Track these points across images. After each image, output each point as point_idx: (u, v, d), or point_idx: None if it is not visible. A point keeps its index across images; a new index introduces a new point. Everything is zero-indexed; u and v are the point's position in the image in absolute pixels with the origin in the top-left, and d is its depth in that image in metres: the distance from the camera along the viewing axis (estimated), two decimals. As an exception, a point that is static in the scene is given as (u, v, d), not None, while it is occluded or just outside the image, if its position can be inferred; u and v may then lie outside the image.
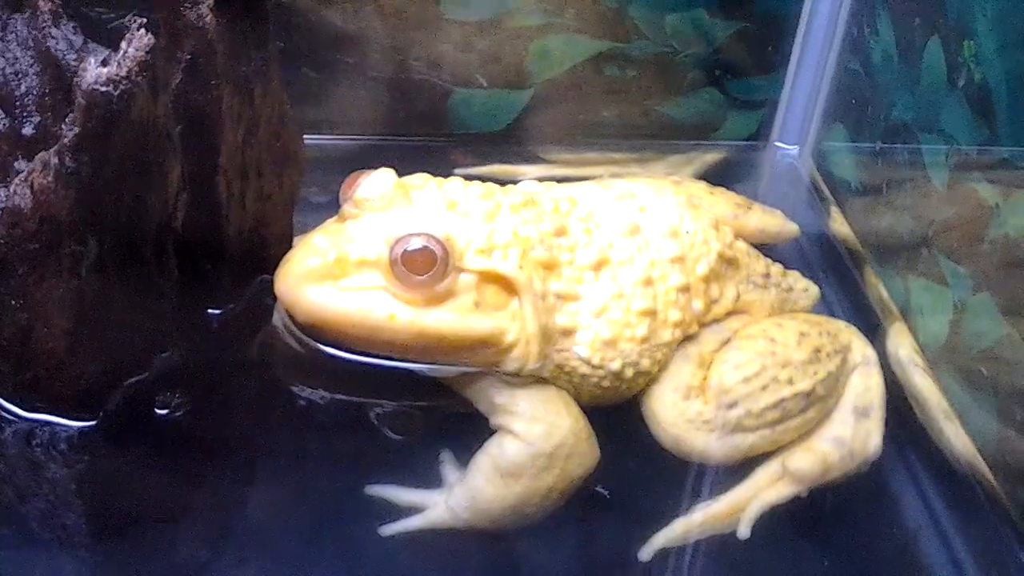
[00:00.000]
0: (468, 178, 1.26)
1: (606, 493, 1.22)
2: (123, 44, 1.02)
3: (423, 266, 1.14)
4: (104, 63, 1.02)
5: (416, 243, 1.14)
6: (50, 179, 1.05)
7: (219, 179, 1.19)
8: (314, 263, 1.16)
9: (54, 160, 1.04)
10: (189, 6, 1.11)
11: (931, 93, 1.42)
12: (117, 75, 1.01)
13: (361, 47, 1.68)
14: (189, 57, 1.11)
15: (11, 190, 1.07)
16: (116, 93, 1.01)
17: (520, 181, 1.32)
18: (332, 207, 1.29)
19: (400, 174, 1.22)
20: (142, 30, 1.03)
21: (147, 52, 1.03)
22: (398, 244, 1.14)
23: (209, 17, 1.11)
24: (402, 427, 1.27)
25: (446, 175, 1.25)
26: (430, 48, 1.69)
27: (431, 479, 1.21)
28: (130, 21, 1.03)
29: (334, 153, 1.62)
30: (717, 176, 1.62)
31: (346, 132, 1.73)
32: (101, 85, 1.01)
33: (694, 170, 1.75)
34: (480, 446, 1.20)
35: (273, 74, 1.21)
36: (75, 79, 1.06)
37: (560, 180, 1.35)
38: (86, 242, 1.09)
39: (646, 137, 1.81)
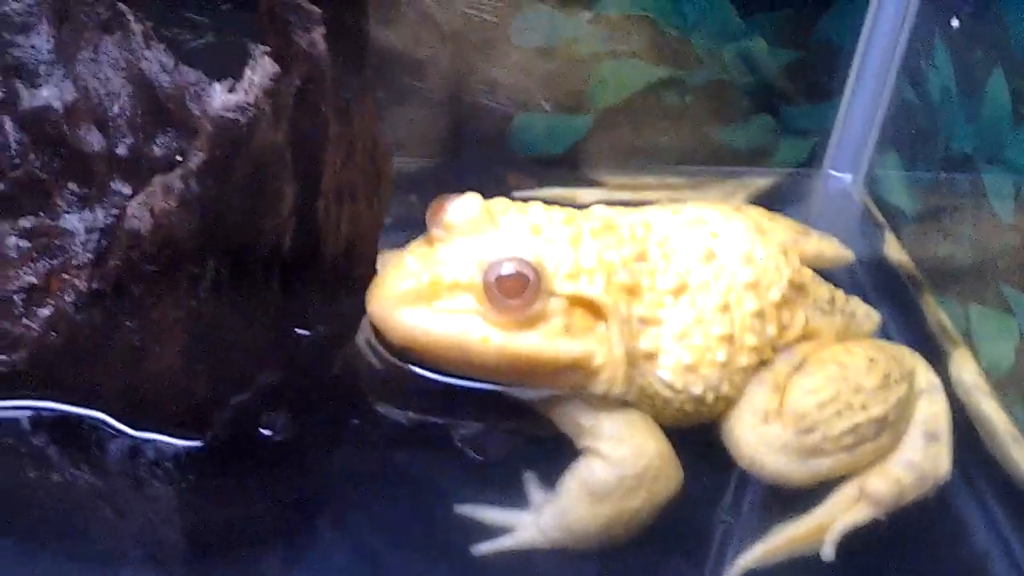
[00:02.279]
0: (526, 200, 1.28)
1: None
2: (248, 71, 1.04)
3: (516, 290, 1.16)
4: (230, 90, 1.04)
5: (509, 268, 1.16)
6: (172, 203, 1.07)
7: (320, 203, 1.21)
8: (408, 286, 1.19)
9: (178, 184, 1.06)
10: (301, 33, 1.12)
11: (994, 124, 1.44)
12: (244, 102, 1.03)
13: (424, 70, 1.70)
14: (299, 83, 1.13)
15: (129, 213, 1.09)
16: (243, 120, 1.04)
17: (578, 205, 1.34)
18: (397, 228, 1.33)
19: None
20: (266, 58, 1.05)
21: (272, 79, 1.05)
22: (491, 268, 1.17)
23: (322, 44, 1.12)
24: (486, 448, 1.29)
25: (506, 197, 1.28)
26: (492, 72, 1.71)
27: (517, 500, 1.23)
28: (253, 48, 1.05)
29: (400, 175, 1.64)
30: (770, 202, 1.64)
31: (408, 154, 1.75)
32: (228, 112, 1.03)
33: (747, 195, 1.78)
34: (562, 468, 1.22)
35: (369, 98, 1.24)
36: (199, 105, 1.09)
37: (616, 204, 1.36)
38: (205, 264, 1.11)
39: (701, 163, 1.83)
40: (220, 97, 1.03)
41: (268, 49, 1.05)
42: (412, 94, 1.72)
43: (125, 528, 1.18)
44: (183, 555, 1.17)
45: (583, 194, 1.73)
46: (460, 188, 1.26)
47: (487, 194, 1.26)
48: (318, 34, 1.13)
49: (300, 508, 1.23)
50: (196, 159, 1.05)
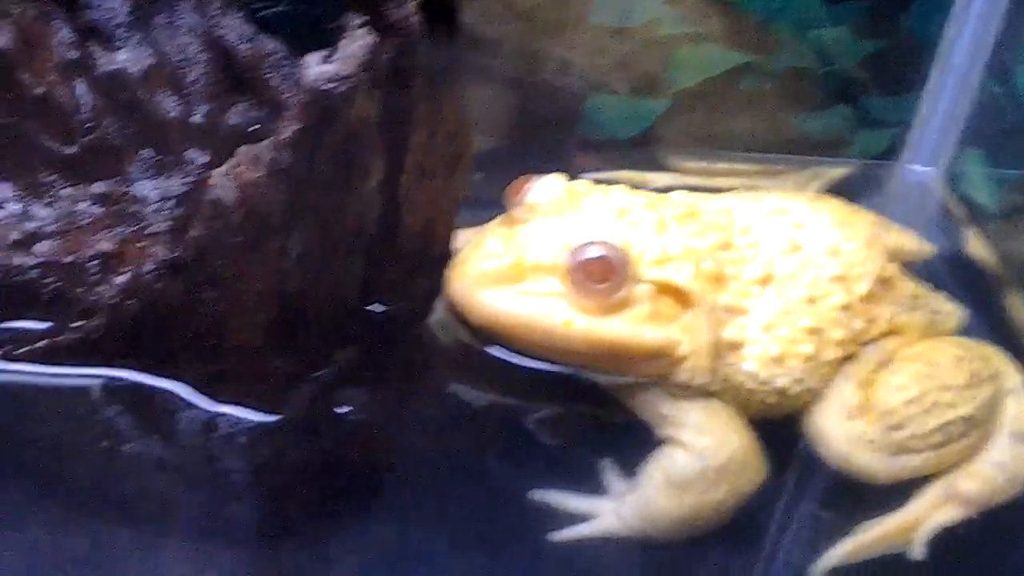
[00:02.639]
0: (596, 182, 1.26)
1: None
2: (344, 42, 1.02)
3: (602, 275, 1.14)
4: (326, 60, 1.01)
5: (595, 251, 1.14)
6: (260, 174, 1.04)
7: (403, 178, 1.18)
8: (490, 266, 1.16)
9: (268, 155, 1.04)
10: (394, 6, 1.09)
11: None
12: (340, 73, 1.01)
13: (495, 48, 1.68)
14: (390, 57, 1.10)
15: (213, 182, 1.06)
16: (338, 91, 1.01)
17: (648, 189, 1.30)
18: (467, 206, 1.30)
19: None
20: (364, 28, 1.02)
21: (369, 51, 1.02)
22: (577, 251, 1.14)
23: (415, 16, 1.10)
24: (563, 433, 1.27)
25: (575, 178, 1.25)
26: (565, 52, 1.68)
27: (592, 486, 1.21)
28: (349, 19, 1.03)
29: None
30: (844, 193, 1.59)
31: (478, 132, 1.70)
32: (324, 83, 1.01)
33: (820, 185, 1.74)
34: (640, 455, 1.20)
35: (456, 75, 1.21)
36: (278, 74, 1.07)
37: (689, 190, 1.33)
38: (291, 238, 1.09)
39: (776, 151, 1.80)
40: (315, 67, 1.01)
41: (365, 19, 1.03)
42: (483, 72, 1.69)
43: (197, 502, 1.17)
44: (255, 531, 1.16)
45: (655, 178, 1.70)
46: (530, 169, 1.25)
47: (559, 174, 1.24)
48: (412, 5, 1.10)
49: (375, 488, 1.22)
50: (288, 129, 1.02)
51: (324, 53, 1.02)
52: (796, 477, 1.25)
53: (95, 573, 1.12)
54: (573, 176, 1.26)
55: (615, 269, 1.14)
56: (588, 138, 1.77)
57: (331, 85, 1.01)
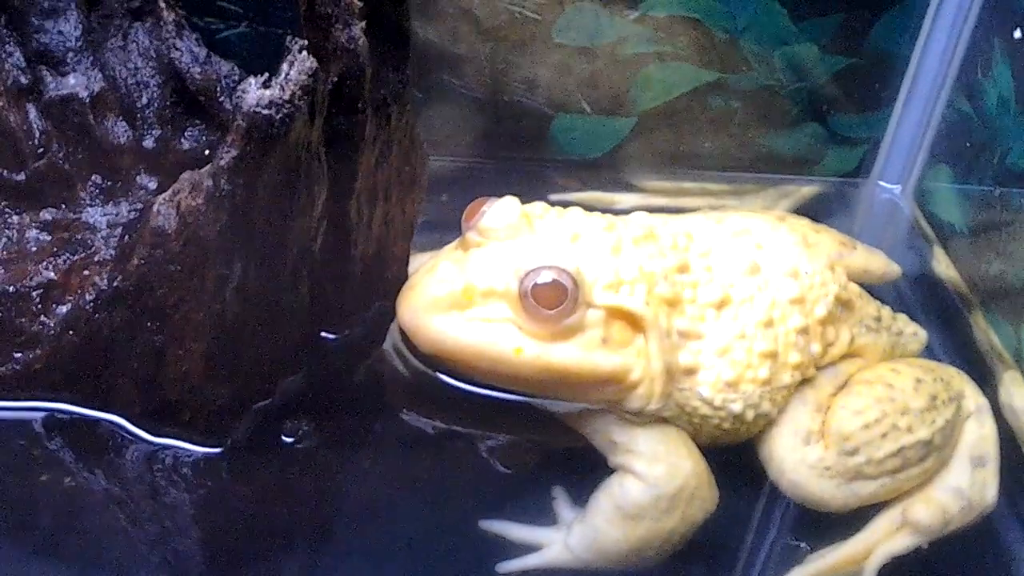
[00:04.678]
0: (564, 204, 1.25)
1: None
2: (284, 66, 1.00)
3: (553, 300, 1.12)
4: (265, 85, 1.00)
5: (547, 276, 1.13)
6: (200, 201, 1.03)
7: (352, 203, 1.18)
8: (441, 292, 1.15)
9: (207, 182, 1.03)
10: (340, 28, 1.09)
11: (1054, 140, 1.40)
12: (280, 98, 1.00)
13: (462, 67, 1.67)
14: (336, 80, 1.09)
15: (155, 210, 1.06)
16: (278, 116, 1.00)
17: (616, 210, 1.30)
18: (431, 228, 1.30)
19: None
20: (304, 52, 1.01)
21: (310, 75, 1.01)
22: (528, 277, 1.13)
23: (362, 40, 1.09)
24: (513, 460, 1.26)
25: (542, 199, 1.24)
26: (531, 71, 1.67)
27: (543, 515, 1.20)
28: (291, 43, 1.02)
29: (433, 173, 1.60)
30: (814, 212, 1.59)
31: (444, 152, 1.71)
32: (263, 108, 0.99)
33: (790, 204, 1.74)
34: (592, 483, 1.19)
35: (407, 97, 1.20)
36: (231, 98, 1.05)
37: (655, 210, 1.32)
38: (232, 265, 1.08)
39: (744, 169, 1.79)
40: (255, 92, 1.00)
41: (305, 43, 1.01)
42: (448, 91, 1.68)
43: (141, 535, 1.15)
44: (200, 564, 1.14)
45: (622, 198, 1.69)
46: (495, 189, 1.23)
47: (523, 196, 1.22)
48: (358, 29, 1.10)
49: (321, 518, 1.20)
50: (227, 156, 1.01)
51: (263, 78, 1.00)
52: (749, 505, 1.24)
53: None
54: (540, 197, 1.25)
55: (566, 294, 1.13)
56: (556, 158, 1.75)
57: (270, 111, 0.99)
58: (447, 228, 1.27)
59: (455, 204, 1.24)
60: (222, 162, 1.02)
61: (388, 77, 1.18)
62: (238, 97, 1.01)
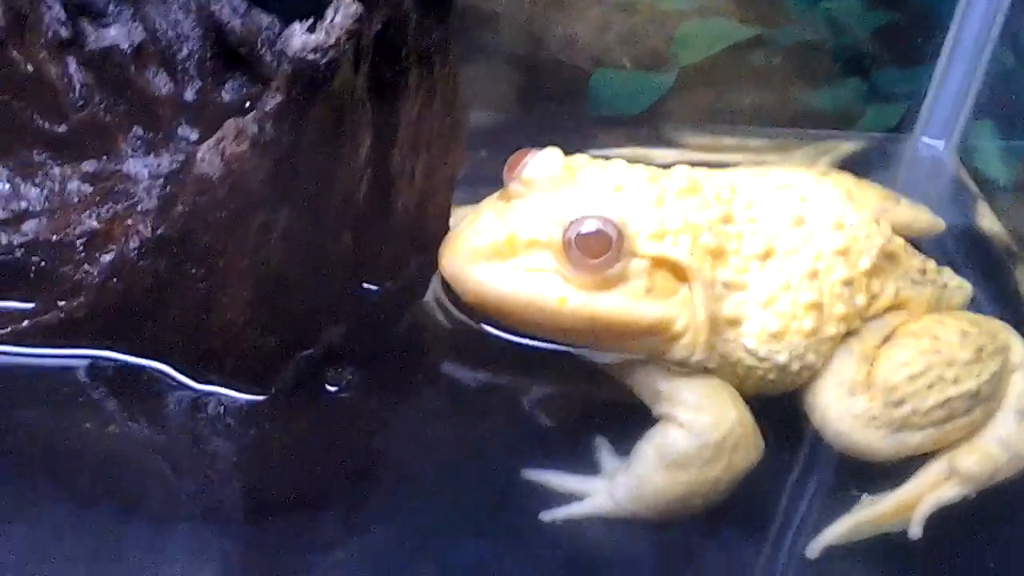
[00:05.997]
0: (604, 159, 1.24)
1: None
2: (329, 11, 1.00)
3: (597, 250, 1.12)
4: (311, 30, 0.99)
5: (591, 226, 1.12)
6: (245, 147, 1.03)
7: (395, 153, 1.17)
8: (483, 242, 1.15)
9: (252, 128, 1.03)
10: (385, -25, 1.08)
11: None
12: (325, 43, 0.99)
13: (499, 23, 1.66)
14: (380, 28, 1.09)
15: (199, 156, 1.06)
16: (323, 61, 0.99)
17: (657, 165, 1.28)
18: (471, 183, 1.30)
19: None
20: None
21: (355, 21, 1.00)
22: (572, 226, 1.12)
23: (405, -13, 1.08)
24: (557, 412, 1.27)
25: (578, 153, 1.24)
26: (570, 27, 1.67)
27: (586, 465, 1.20)
28: None
29: (472, 129, 1.61)
30: (856, 168, 1.59)
31: (480, 108, 1.70)
32: (308, 53, 0.99)
33: (832, 160, 1.73)
34: (636, 433, 1.18)
35: (451, 48, 1.20)
36: (273, 48, 1.05)
37: (696, 165, 1.31)
38: (276, 213, 1.08)
39: (785, 125, 1.79)
40: (299, 37, 0.99)
41: None
42: (487, 48, 1.68)
43: (184, 483, 1.15)
44: (242, 511, 1.15)
45: (662, 154, 1.68)
46: (535, 145, 1.23)
47: (563, 152, 1.21)
48: None
49: (363, 467, 1.20)
50: (272, 101, 1.01)
51: (308, 23, 1.00)
52: (794, 454, 1.24)
53: (86, 554, 1.11)
54: (578, 152, 1.24)
55: (610, 243, 1.12)
56: (595, 114, 1.75)
57: (315, 56, 0.99)
58: (488, 183, 1.26)
59: (495, 160, 1.24)
60: (267, 108, 1.02)
61: (431, 27, 1.17)
62: (283, 42, 1.01)
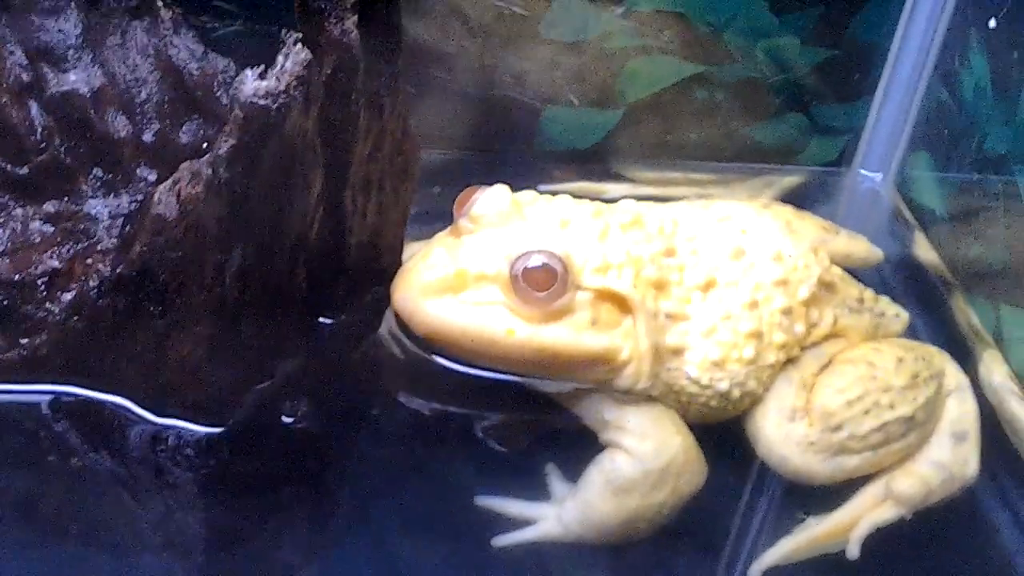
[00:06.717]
0: (553, 194, 1.27)
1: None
2: (280, 58, 1.03)
3: (543, 283, 1.15)
4: (262, 76, 1.03)
5: (537, 260, 1.15)
6: (199, 189, 1.06)
7: (347, 193, 1.21)
8: (434, 276, 1.18)
9: (206, 171, 1.06)
10: (334, 22, 1.12)
11: (1030, 125, 1.43)
12: (276, 89, 1.03)
13: (452, 63, 1.69)
14: (330, 72, 1.12)
15: (155, 198, 1.08)
16: (274, 107, 1.03)
17: (605, 199, 1.31)
18: (424, 219, 1.33)
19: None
20: (299, 45, 1.04)
21: (304, 67, 1.04)
22: (519, 261, 1.16)
23: (354, 33, 1.12)
24: (508, 439, 1.29)
25: (532, 190, 1.27)
26: (519, 66, 1.70)
27: (537, 491, 1.23)
28: (286, 36, 1.05)
29: (425, 166, 1.63)
30: (797, 200, 1.61)
31: (433, 146, 1.73)
32: (259, 98, 1.02)
33: (774, 193, 1.77)
34: (584, 460, 1.21)
35: (400, 88, 1.23)
36: (228, 92, 1.08)
37: (642, 199, 1.34)
38: (231, 251, 1.11)
39: (730, 160, 1.82)
40: (251, 83, 1.02)
41: (300, 36, 1.05)
42: (439, 87, 1.71)
43: (145, 514, 1.17)
44: (203, 542, 1.17)
45: (610, 189, 1.72)
46: (486, 181, 1.26)
47: (514, 187, 1.25)
48: (351, 22, 1.13)
49: (320, 497, 1.22)
50: (225, 145, 1.04)
51: (260, 69, 1.03)
52: (736, 479, 1.27)
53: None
54: (530, 188, 1.27)
55: (556, 277, 1.16)
56: (545, 150, 1.78)
57: (265, 100, 1.02)
58: (440, 219, 1.29)
59: (447, 196, 1.27)
60: (220, 151, 1.05)
61: (380, 70, 1.20)
62: (235, 88, 1.04)
